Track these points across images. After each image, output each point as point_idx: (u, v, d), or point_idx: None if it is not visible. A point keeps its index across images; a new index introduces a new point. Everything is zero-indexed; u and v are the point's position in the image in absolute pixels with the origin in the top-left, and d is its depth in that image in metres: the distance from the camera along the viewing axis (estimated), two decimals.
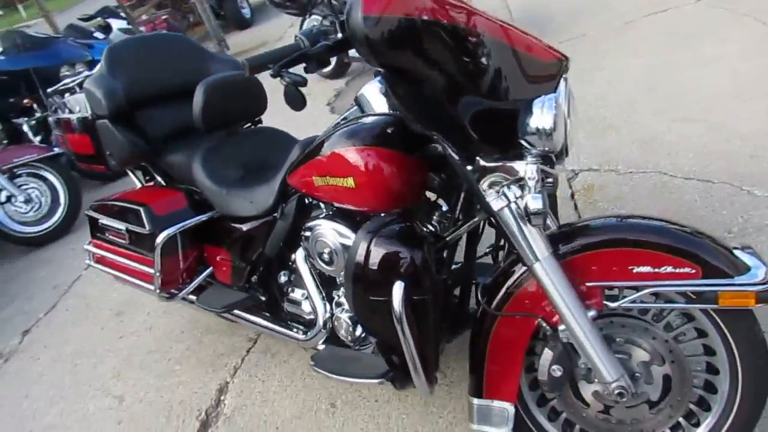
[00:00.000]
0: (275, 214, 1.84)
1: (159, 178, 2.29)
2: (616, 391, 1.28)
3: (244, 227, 1.93)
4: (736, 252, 1.22)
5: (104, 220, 2.17)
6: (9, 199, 4.04)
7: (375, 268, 1.32)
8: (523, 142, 1.17)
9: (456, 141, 1.20)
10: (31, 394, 2.58)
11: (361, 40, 1.09)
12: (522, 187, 1.21)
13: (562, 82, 1.23)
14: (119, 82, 2.11)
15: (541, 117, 1.13)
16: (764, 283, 1.17)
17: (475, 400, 1.44)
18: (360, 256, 1.33)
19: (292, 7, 5.16)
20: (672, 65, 3.43)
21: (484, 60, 1.16)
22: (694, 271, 1.20)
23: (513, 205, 1.23)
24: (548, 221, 1.37)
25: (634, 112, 3.08)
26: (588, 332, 1.27)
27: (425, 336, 1.34)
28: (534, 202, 1.16)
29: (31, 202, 4.11)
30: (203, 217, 2.02)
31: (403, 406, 1.88)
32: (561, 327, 1.30)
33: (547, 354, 1.35)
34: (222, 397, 2.18)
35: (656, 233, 1.26)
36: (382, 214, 1.41)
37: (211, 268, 2.15)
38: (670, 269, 1.22)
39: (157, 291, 2.05)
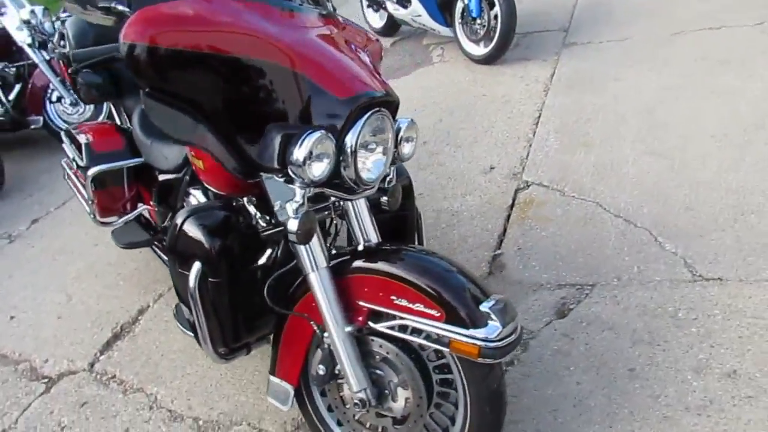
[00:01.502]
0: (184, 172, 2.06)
1: (126, 118, 2.56)
2: (355, 401, 1.43)
3: (161, 178, 2.17)
4: (484, 306, 1.30)
5: (65, 145, 2.48)
6: (59, 99, 4.52)
7: (181, 245, 1.52)
8: (289, 169, 1.29)
9: (229, 159, 1.34)
10: (14, 275, 3.04)
11: (125, 63, 1.24)
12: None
13: (363, 118, 1.32)
14: (93, 27, 2.35)
15: (299, 150, 1.24)
16: (490, 341, 1.26)
17: (270, 377, 1.64)
18: (174, 231, 1.53)
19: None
20: (684, 90, 3.26)
21: (255, 86, 1.27)
22: (439, 314, 1.31)
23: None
24: (372, 232, 1.52)
25: (616, 134, 3.00)
26: (343, 343, 1.42)
27: (219, 314, 1.54)
28: (291, 224, 1.29)
29: (78, 106, 4.58)
30: (134, 162, 2.27)
31: (262, 364, 2.10)
32: (326, 333, 1.45)
33: (318, 354, 1.52)
34: (139, 318, 2.50)
35: (422, 274, 1.35)
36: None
37: (146, 207, 2.43)
38: (421, 307, 1.33)
39: (91, 217, 2.37)
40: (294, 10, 1.47)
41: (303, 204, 1.31)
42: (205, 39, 1.23)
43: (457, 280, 1.35)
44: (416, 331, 1.39)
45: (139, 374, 2.18)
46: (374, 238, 1.53)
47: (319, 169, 1.27)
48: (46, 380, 2.26)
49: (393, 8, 4.85)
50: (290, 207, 1.31)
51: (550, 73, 3.88)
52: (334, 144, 1.28)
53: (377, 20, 5.39)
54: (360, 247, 1.51)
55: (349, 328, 1.41)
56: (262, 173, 1.38)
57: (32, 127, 4.53)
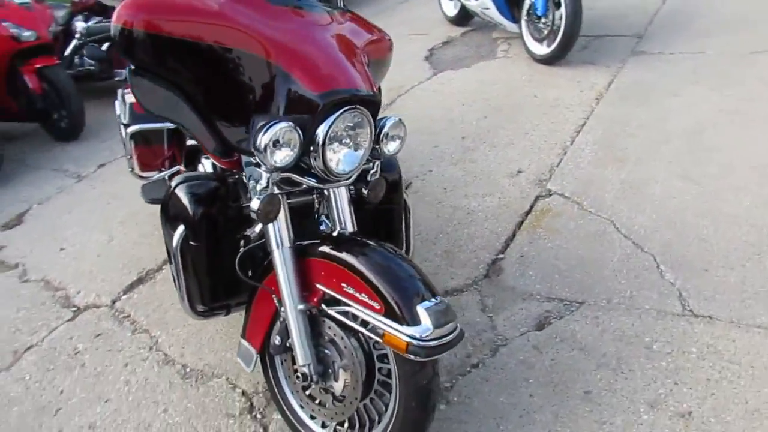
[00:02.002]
0: None
1: None
2: (298, 373, 1.55)
3: (188, 143, 2.35)
4: (422, 306, 1.37)
5: (117, 103, 2.72)
6: None
7: (171, 207, 1.67)
8: (255, 154, 1.40)
9: (208, 138, 1.47)
10: (73, 211, 3.38)
11: (115, 43, 1.38)
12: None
13: (336, 114, 1.40)
14: None
15: (263, 137, 1.34)
16: (419, 339, 1.33)
17: (241, 339, 1.78)
18: (168, 194, 1.69)
19: None
20: (742, 115, 3.08)
21: (236, 75, 1.38)
22: (379, 306, 1.39)
23: None
24: (349, 221, 1.62)
25: (654, 153, 2.90)
26: (295, 319, 1.53)
27: (197, 274, 1.69)
28: (253, 203, 1.41)
29: None
30: (168, 125, 2.46)
31: None
32: (283, 308, 1.57)
33: (277, 325, 1.64)
34: (163, 267, 2.74)
35: (374, 267, 1.43)
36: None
37: (180, 167, 2.63)
38: (365, 298, 1.42)
39: (130, 170, 2.60)
40: (297, 6, 1.55)
41: (267, 186, 1.42)
42: (192, 28, 1.35)
43: (405, 280, 1.42)
44: (366, 322, 1.48)
45: (149, 317, 2.41)
46: (350, 227, 1.62)
47: (281, 157, 1.37)
48: (74, 309, 2.54)
49: None
50: (257, 187, 1.43)
51: (608, 80, 3.76)
52: (300, 135, 1.38)
53: (451, 9, 5.38)
54: (334, 234, 1.60)
55: (301, 306, 1.52)
56: (240, 154, 1.50)
57: (117, 78, 4.93)
